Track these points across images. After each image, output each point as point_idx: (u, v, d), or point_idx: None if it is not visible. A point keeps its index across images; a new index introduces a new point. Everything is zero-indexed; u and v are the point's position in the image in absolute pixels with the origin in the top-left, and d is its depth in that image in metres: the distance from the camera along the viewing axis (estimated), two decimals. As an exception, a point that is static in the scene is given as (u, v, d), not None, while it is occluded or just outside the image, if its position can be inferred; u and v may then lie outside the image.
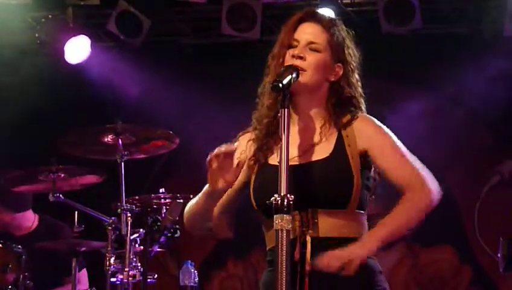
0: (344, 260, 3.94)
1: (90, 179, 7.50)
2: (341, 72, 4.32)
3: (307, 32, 4.29)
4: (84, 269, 7.87)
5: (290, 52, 4.25)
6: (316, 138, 4.27)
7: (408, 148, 4.28)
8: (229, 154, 4.05)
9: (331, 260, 3.95)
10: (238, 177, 4.21)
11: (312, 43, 4.26)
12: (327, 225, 4.15)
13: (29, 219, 8.33)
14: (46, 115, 9.06)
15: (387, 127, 4.31)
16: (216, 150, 4.02)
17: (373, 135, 4.26)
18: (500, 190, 9.40)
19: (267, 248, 4.22)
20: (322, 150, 4.24)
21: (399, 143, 4.27)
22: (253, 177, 4.30)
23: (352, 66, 4.34)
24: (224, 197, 4.32)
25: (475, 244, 9.26)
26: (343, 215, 4.18)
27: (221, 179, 4.09)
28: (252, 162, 4.33)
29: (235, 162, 4.12)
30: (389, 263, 9.11)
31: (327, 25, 4.32)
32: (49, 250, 7.83)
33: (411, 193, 4.17)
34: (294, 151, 4.19)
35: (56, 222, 8.25)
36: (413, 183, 4.18)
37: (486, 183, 9.39)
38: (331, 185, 4.16)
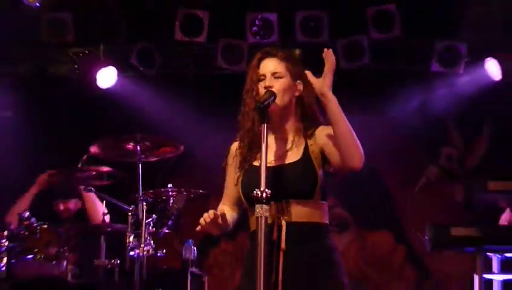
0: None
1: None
2: (302, 87, 4.33)
3: (268, 66, 4.30)
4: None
5: (261, 84, 4.26)
6: (288, 146, 4.29)
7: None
8: (216, 218, 4.14)
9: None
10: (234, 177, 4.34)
11: (275, 73, 4.28)
12: (298, 212, 4.16)
13: (73, 206, 8.32)
14: (82, 127, 9.01)
15: None
16: (207, 216, 4.14)
17: (326, 133, 4.26)
18: (427, 188, 9.42)
19: (251, 231, 4.21)
20: (293, 155, 4.26)
21: None
22: (241, 176, 4.30)
23: (308, 82, 4.28)
24: (231, 199, 4.43)
25: (408, 230, 9.28)
26: (310, 204, 4.19)
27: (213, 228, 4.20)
28: (240, 164, 4.33)
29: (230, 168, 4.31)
30: (342, 243, 9.09)
31: (281, 55, 4.33)
32: (85, 230, 7.81)
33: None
34: (271, 156, 4.22)
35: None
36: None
37: (417, 184, 9.41)
38: (301, 181, 4.18)
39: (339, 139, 4.14)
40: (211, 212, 4.16)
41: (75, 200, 8.29)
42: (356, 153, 4.17)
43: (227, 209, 4.36)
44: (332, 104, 4.13)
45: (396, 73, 9.10)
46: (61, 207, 8.27)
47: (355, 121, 4.60)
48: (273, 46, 4.46)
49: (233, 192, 4.39)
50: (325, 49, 4.14)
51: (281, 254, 4.10)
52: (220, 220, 4.17)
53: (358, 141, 4.17)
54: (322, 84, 4.13)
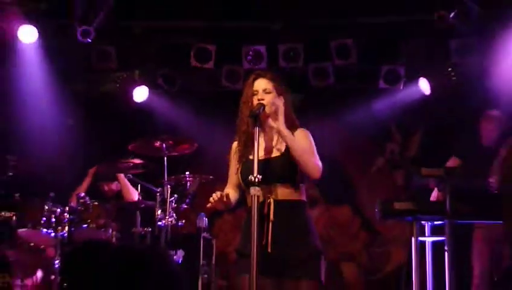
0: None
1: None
2: (283, 101, 4.31)
3: (260, 84, 4.31)
4: None
5: (255, 98, 4.27)
6: (274, 144, 4.29)
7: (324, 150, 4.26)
8: (222, 197, 4.17)
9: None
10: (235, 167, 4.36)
11: (265, 89, 4.28)
12: (282, 192, 4.18)
13: (115, 187, 8.28)
14: (122, 131, 8.98)
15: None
16: (215, 195, 4.17)
17: (300, 140, 4.24)
18: (376, 174, 9.39)
19: (247, 206, 4.19)
20: (278, 151, 4.24)
21: (311, 145, 4.28)
22: (240, 167, 4.29)
23: (287, 98, 4.35)
24: (237, 185, 4.36)
25: (363, 204, 9.25)
26: (292, 186, 4.19)
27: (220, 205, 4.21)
28: (239, 159, 4.31)
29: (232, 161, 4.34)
30: (313, 216, 8.99)
31: (270, 77, 4.34)
32: (125, 206, 7.76)
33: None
34: (261, 151, 4.20)
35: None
36: (311, 156, 4.21)
37: (369, 171, 9.38)
38: (284, 170, 4.17)
39: (297, 160, 4.14)
40: (218, 193, 4.13)
41: (116, 183, 8.26)
42: (313, 168, 4.18)
43: (230, 192, 4.34)
44: (287, 137, 4.15)
45: (354, 90, 9.04)
46: (106, 188, 8.24)
47: (322, 126, 4.59)
48: (264, 70, 4.43)
49: (235, 179, 4.37)
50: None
51: (270, 223, 4.08)
52: (224, 199, 4.12)
53: (313, 158, 4.17)
54: (278, 126, 4.14)
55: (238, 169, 4.32)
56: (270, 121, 4.16)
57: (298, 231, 4.16)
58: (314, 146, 4.28)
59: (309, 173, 4.16)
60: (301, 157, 4.14)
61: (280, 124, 4.14)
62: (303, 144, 4.23)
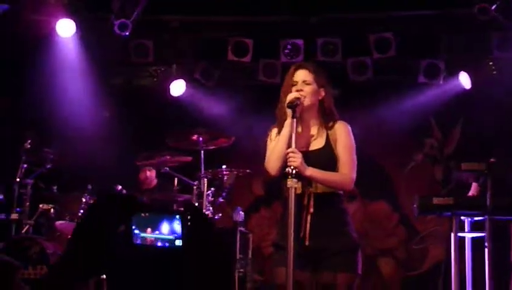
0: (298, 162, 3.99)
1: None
2: (324, 93, 4.27)
3: (301, 75, 4.25)
4: None
5: (294, 88, 4.22)
6: (313, 136, 4.25)
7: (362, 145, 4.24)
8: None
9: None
10: None
11: (305, 80, 4.23)
12: (321, 185, 4.13)
13: (153, 178, 8.35)
14: (159, 123, 9.05)
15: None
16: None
17: (341, 133, 4.22)
18: (415, 170, 9.33)
19: (285, 198, 4.05)
20: (318, 143, 4.22)
21: (351, 142, 4.23)
22: None
23: (328, 90, 4.30)
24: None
25: (401, 200, 9.20)
26: None
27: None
28: None
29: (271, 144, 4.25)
30: (351, 210, 8.99)
31: (311, 69, 4.28)
32: (163, 198, 7.80)
33: (342, 172, 4.16)
34: (301, 143, 4.17)
35: (165, 183, 8.20)
36: (345, 168, 4.17)
37: (407, 167, 9.32)
38: (324, 163, 4.14)
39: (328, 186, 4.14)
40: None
41: (151, 169, 8.28)
42: (343, 187, 4.19)
43: None
44: (311, 176, 4.07)
45: (392, 84, 8.99)
46: (144, 176, 8.29)
47: (361, 121, 4.57)
48: (306, 62, 4.40)
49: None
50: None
51: (309, 216, 4.06)
52: None
53: (341, 178, 4.15)
54: (309, 174, 4.04)
55: None
56: (302, 172, 4.03)
57: (336, 224, 4.12)
58: (354, 142, 4.25)
59: (340, 189, 4.18)
60: (331, 184, 4.13)
61: (308, 171, 4.04)
62: (343, 140, 4.19)
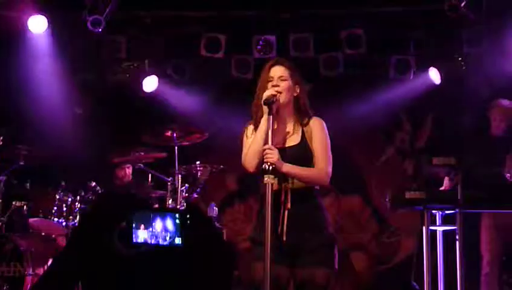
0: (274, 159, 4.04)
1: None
2: (299, 90, 4.33)
3: (277, 71, 4.31)
4: None
5: (270, 84, 4.26)
6: (289, 133, 4.31)
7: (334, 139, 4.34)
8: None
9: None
10: None
11: (281, 76, 4.29)
12: (297, 181, 4.18)
13: (129, 174, 8.34)
14: (132, 120, 9.04)
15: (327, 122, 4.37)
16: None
17: (314, 128, 4.28)
18: (386, 164, 9.42)
19: (261, 194, 4.11)
20: (294, 140, 4.29)
21: (326, 138, 4.30)
22: None
23: (303, 87, 4.35)
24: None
25: (373, 194, 9.28)
26: None
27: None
28: None
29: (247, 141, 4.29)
30: (325, 205, 9.05)
31: (287, 65, 4.34)
32: (139, 194, 7.80)
33: (318, 167, 4.21)
34: (277, 139, 4.21)
35: (139, 179, 8.20)
36: (321, 163, 4.22)
37: (379, 161, 9.41)
38: (300, 159, 4.20)
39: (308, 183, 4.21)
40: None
41: (128, 166, 8.28)
42: (319, 182, 4.25)
43: None
44: (288, 172, 4.13)
45: (363, 79, 9.06)
46: (122, 173, 8.29)
47: (332, 116, 4.63)
48: (282, 58, 4.43)
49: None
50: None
51: (286, 211, 4.11)
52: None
53: (317, 174, 4.21)
54: (286, 170, 4.10)
55: None
56: (279, 168, 4.08)
57: (313, 219, 4.18)
58: (328, 137, 4.31)
59: (316, 184, 4.24)
60: (306, 179, 4.18)
61: (285, 167, 4.10)
62: (318, 136, 4.25)
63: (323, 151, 4.24)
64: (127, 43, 8.72)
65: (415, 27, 8.69)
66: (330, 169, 4.23)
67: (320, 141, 4.26)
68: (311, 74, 8.56)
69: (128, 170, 8.30)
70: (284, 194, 4.15)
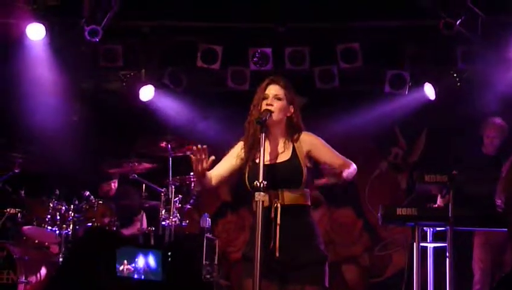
0: None
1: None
2: (292, 110, 4.38)
3: (273, 89, 4.36)
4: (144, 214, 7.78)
5: (265, 102, 4.32)
6: (280, 149, 4.35)
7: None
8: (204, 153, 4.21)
9: None
10: (234, 165, 4.39)
11: (276, 95, 4.33)
12: (288, 197, 4.23)
13: (114, 186, 8.29)
14: (127, 129, 9.06)
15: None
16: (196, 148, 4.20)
17: (312, 141, 4.35)
18: (380, 178, 9.44)
19: (253, 210, 4.16)
20: (284, 156, 4.33)
21: (324, 142, 4.40)
22: (247, 169, 4.33)
23: (296, 106, 4.40)
24: (220, 173, 4.40)
25: (365, 208, 9.29)
26: (297, 192, 4.25)
27: (200, 166, 4.20)
28: (246, 160, 4.35)
29: (231, 156, 4.38)
30: (316, 217, 9.03)
31: (283, 84, 4.38)
32: (129, 205, 7.82)
33: (347, 168, 4.33)
34: (268, 156, 4.26)
35: (128, 188, 8.18)
36: (346, 164, 4.35)
37: (372, 174, 9.43)
38: (290, 176, 4.25)
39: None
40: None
41: (114, 181, 8.24)
42: (354, 172, 4.42)
43: (213, 174, 4.41)
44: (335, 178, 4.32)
45: (359, 93, 9.11)
46: (106, 188, 8.22)
47: (326, 129, 4.67)
48: (278, 77, 4.46)
49: (221, 171, 4.44)
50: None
51: (278, 227, 4.15)
52: (204, 157, 4.22)
53: (351, 167, 4.37)
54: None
55: (244, 174, 4.36)
56: (321, 182, 4.24)
57: (304, 236, 4.22)
58: (328, 145, 4.40)
59: (349, 179, 4.36)
60: (352, 176, 4.36)
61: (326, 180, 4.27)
62: (319, 145, 4.35)
63: (331, 152, 4.37)
64: (123, 51, 8.75)
65: (410, 42, 8.74)
66: (351, 162, 4.38)
67: (322, 147, 4.35)
68: (306, 86, 8.62)
69: (114, 185, 8.23)
70: (274, 210, 4.19)
